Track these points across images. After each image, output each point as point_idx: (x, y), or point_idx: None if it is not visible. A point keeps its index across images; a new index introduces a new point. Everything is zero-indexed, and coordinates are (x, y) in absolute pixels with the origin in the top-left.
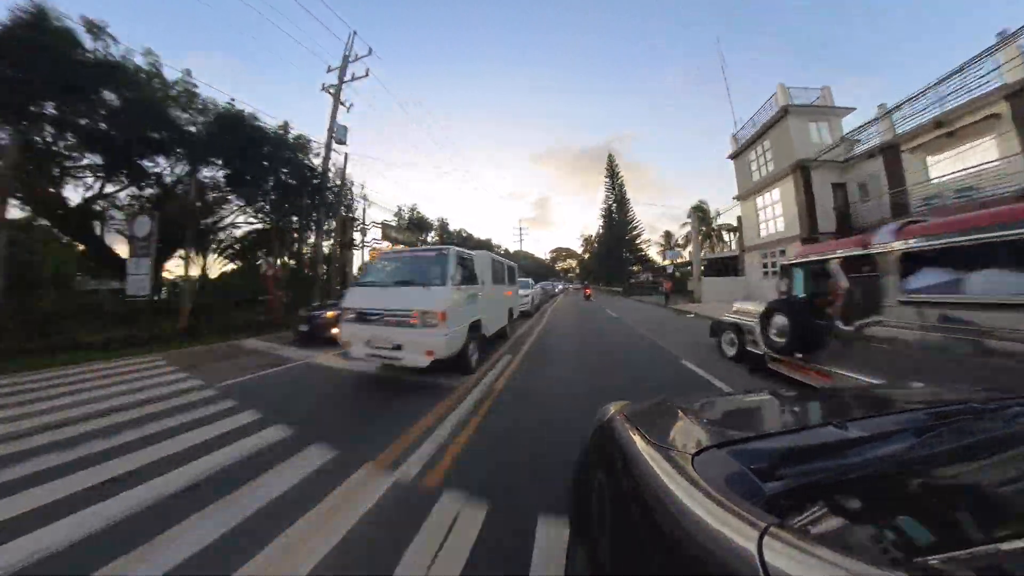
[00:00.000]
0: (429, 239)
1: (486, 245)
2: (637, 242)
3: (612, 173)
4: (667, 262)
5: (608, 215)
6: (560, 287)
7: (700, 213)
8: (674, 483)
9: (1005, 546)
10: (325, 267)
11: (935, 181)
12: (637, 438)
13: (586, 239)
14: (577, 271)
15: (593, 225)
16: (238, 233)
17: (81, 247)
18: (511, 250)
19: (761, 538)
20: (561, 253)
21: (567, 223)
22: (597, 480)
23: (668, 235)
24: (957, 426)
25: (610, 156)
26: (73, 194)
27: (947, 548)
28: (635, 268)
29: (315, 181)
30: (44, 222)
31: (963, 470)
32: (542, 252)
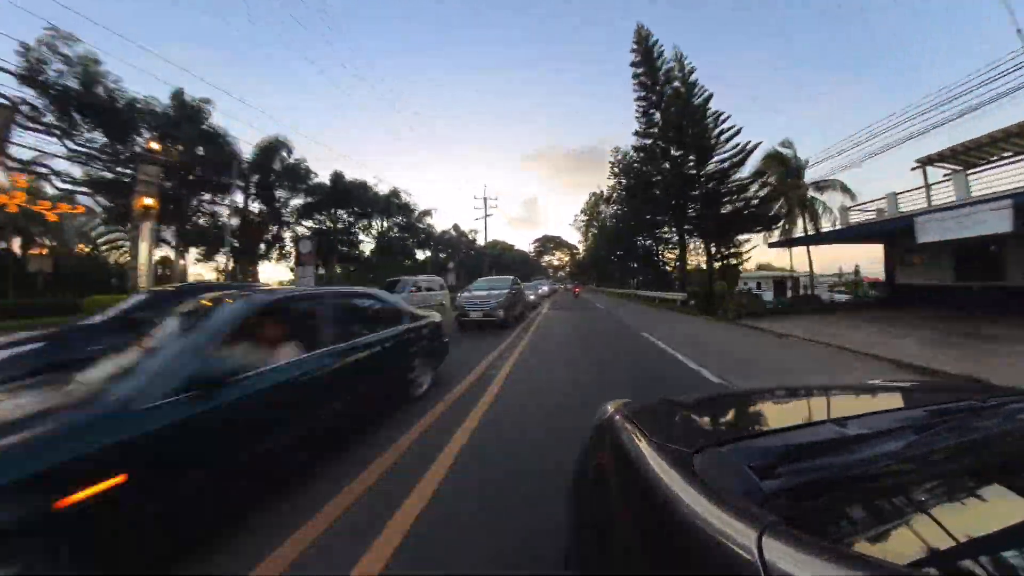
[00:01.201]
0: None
1: (389, 198)
2: (732, 179)
3: (648, 56)
4: None
5: (649, 142)
6: (545, 287)
7: (781, 165)
8: (674, 481)
9: (1005, 542)
10: None
11: None
12: (637, 436)
13: (596, 199)
14: (568, 268)
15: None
16: None
17: None
18: (464, 228)
19: (760, 536)
20: (548, 244)
21: (557, 224)
22: (597, 478)
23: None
24: (956, 423)
25: (640, 28)
26: None
27: (947, 545)
28: (741, 243)
29: None
30: None
31: (963, 467)
32: (525, 244)
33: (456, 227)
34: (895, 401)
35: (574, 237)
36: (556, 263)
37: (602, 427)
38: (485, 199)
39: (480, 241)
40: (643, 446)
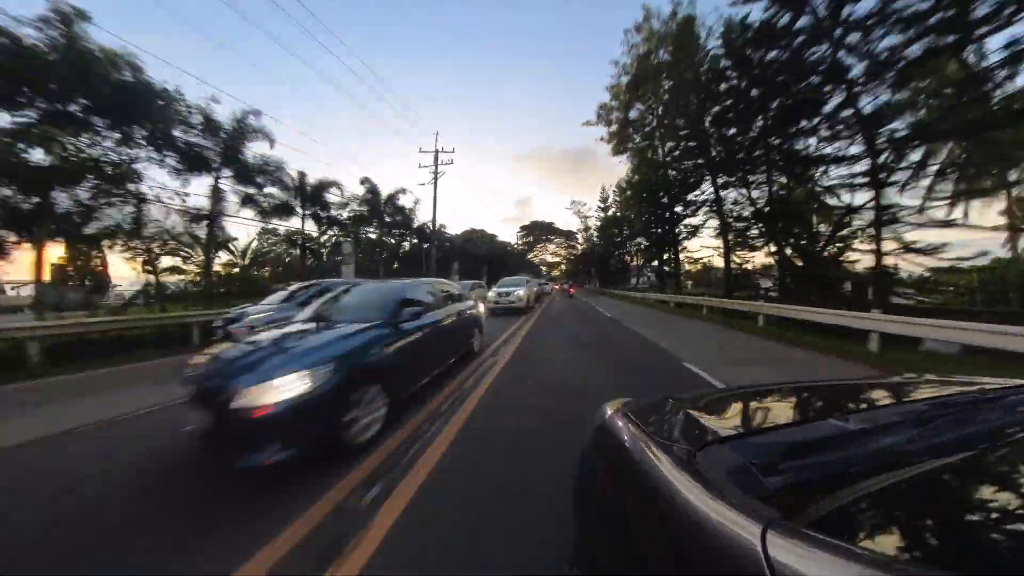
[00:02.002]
0: None
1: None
2: None
3: None
4: None
5: None
6: (521, 291)
7: None
8: (677, 479)
9: (1009, 537)
10: None
11: None
12: (638, 435)
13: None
14: (564, 265)
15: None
16: None
17: None
18: (409, 206)
19: (764, 533)
20: (539, 233)
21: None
22: (599, 479)
23: None
24: (958, 417)
25: None
26: None
27: (950, 539)
28: None
29: None
30: None
31: (965, 461)
32: (510, 235)
33: (370, 185)
34: (896, 396)
35: (571, 228)
36: (551, 259)
37: (602, 427)
38: (436, 152)
39: (423, 215)
40: (645, 444)
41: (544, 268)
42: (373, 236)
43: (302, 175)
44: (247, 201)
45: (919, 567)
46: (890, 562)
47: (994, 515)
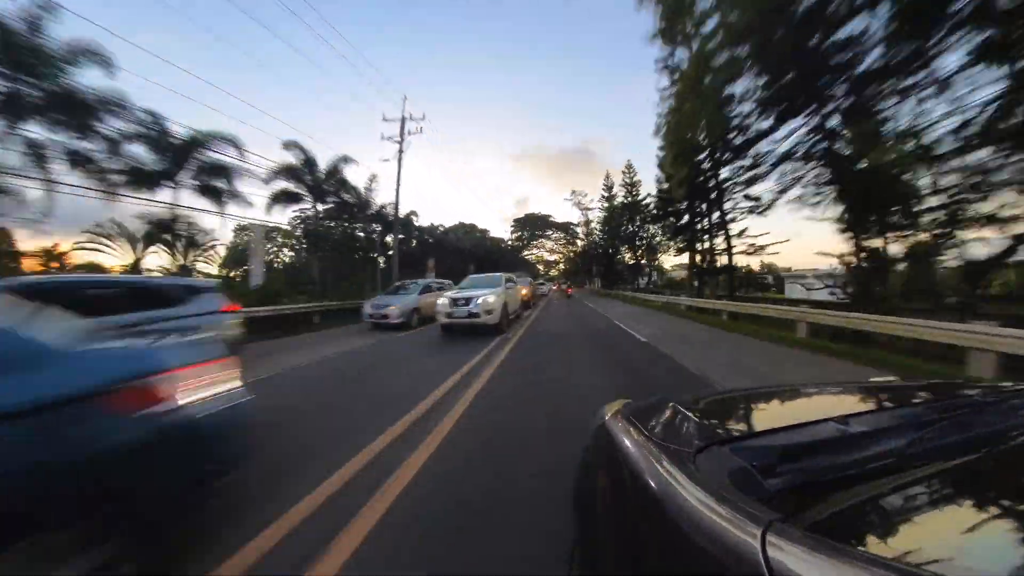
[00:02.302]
0: None
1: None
2: None
3: None
4: None
5: None
6: (491, 297)
7: None
8: (676, 481)
9: (1010, 540)
10: None
11: None
12: (638, 437)
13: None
14: (562, 264)
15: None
16: None
17: None
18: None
19: (764, 534)
20: (534, 227)
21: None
22: (599, 481)
23: None
24: (958, 419)
25: None
26: None
27: (951, 542)
28: None
29: None
30: None
31: (966, 464)
32: (508, 232)
33: (302, 154)
34: (897, 398)
35: (570, 221)
36: (549, 257)
37: (602, 428)
38: (403, 120)
39: (381, 195)
40: (644, 446)
41: (541, 267)
42: (341, 226)
43: (152, 114)
44: (76, 161)
45: (919, 570)
46: (890, 565)
47: (995, 519)
